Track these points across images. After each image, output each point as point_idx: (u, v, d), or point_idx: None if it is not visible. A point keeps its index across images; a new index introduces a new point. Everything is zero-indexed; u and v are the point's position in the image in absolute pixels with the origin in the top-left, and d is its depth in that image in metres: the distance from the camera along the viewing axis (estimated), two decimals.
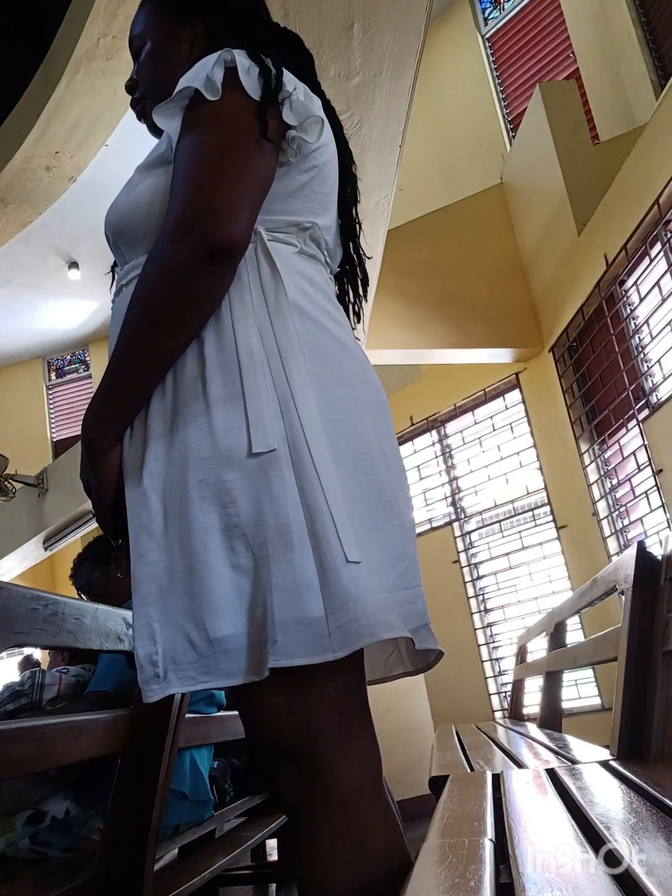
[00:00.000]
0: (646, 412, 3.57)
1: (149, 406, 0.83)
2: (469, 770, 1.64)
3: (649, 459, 3.54)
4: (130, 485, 0.83)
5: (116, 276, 0.96)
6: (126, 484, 0.84)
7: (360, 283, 1.09)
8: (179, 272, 0.78)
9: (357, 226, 1.07)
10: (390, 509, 0.82)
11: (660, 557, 1.44)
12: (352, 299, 1.09)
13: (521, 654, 3.45)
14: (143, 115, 1.03)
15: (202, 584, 0.76)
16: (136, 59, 1.06)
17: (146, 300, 0.81)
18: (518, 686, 3.44)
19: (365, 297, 1.10)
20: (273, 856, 2.80)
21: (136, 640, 0.78)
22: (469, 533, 4.80)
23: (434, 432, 4.99)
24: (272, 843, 2.78)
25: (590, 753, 1.63)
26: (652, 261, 3.46)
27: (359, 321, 1.09)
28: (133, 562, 0.80)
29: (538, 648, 3.35)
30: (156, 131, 0.97)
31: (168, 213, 0.81)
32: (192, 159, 0.81)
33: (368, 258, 1.11)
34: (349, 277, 1.08)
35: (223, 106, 0.83)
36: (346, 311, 1.06)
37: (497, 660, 4.55)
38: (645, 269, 3.52)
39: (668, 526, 3.41)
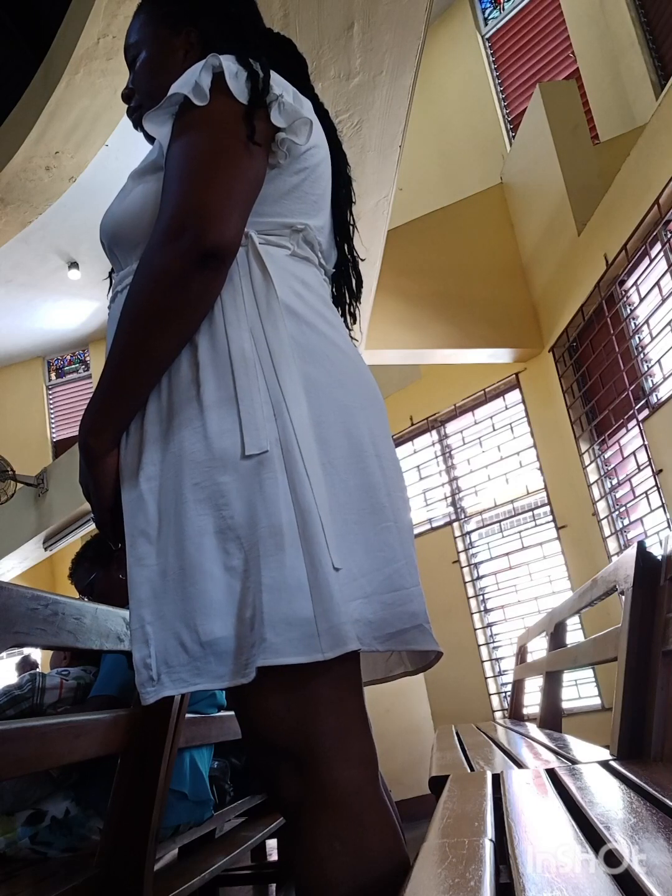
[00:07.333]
0: (646, 412, 3.57)
1: (145, 410, 0.84)
2: (469, 770, 1.64)
3: (649, 459, 3.54)
4: (127, 488, 0.83)
5: (112, 282, 0.97)
6: (123, 488, 0.84)
7: (354, 284, 1.10)
8: (171, 276, 0.79)
9: (351, 227, 1.07)
10: (382, 512, 0.82)
11: (660, 557, 1.44)
12: (347, 300, 1.09)
13: (521, 654, 3.45)
14: (140, 123, 1.03)
15: (195, 586, 0.76)
16: (131, 68, 1.07)
17: (139, 304, 0.81)
18: (518, 686, 3.44)
19: (359, 298, 1.11)
20: (273, 856, 2.80)
21: (132, 643, 0.78)
22: (469, 533, 4.80)
23: (434, 432, 4.99)
24: (272, 843, 2.77)
25: (590, 753, 1.63)
26: (652, 261, 3.46)
27: (354, 322, 1.09)
28: (130, 565, 0.80)
29: (538, 648, 3.35)
30: (152, 139, 0.97)
31: (159, 218, 0.81)
32: (182, 164, 0.82)
33: (362, 260, 1.12)
34: (344, 279, 1.08)
35: (211, 111, 0.84)
36: (342, 312, 1.07)
37: (497, 660, 4.55)
38: (645, 269, 3.52)
39: (668, 526, 3.41)
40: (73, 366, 7.57)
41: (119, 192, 0.94)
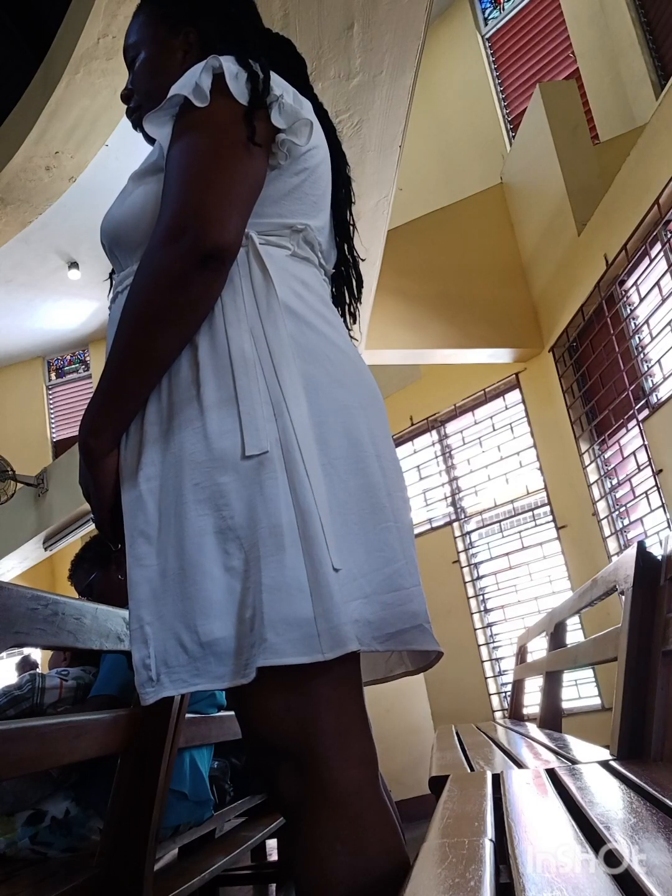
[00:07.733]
0: (646, 412, 3.57)
1: (145, 410, 0.84)
2: (469, 770, 1.64)
3: (649, 459, 3.54)
4: (127, 489, 0.83)
5: (113, 283, 0.97)
6: (122, 488, 0.84)
7: (354, 284, 1.10)
8: (172, 277, 0.79)
9: (351, 227, 1.07)
10: (382, 511, 0.82)
11: (660, 557, 1.44)
12: (347, 301, 1.09)
13: (521, 654, 3.45)
14: (139, 124, 1.03)
15: (195, 586, 0.76)
16: (130, 69, 1.07)
17: (140, 305, 0.81)
18: (518, 686, 3.44)
19: (359, 298, 1.11)
20: (273, 856, 2.80)
21: (131, 643, 0.78)
22: (469, 533, 4.80)
23: (434, 432, 4.99)
24: (272, 843, 2.78)
25: (590, 753, 1.63)
26: (652, 261, 3.46)
27: (354, 322, 1.09)
28: (129, 565, 0.80)
29: (538, 648, 3.35)
30: (151, 140, 0.97)
31: (159, 219, 0.81)
32: (183, 165, 0.82)
33: (362, 260, 1.12)
34: (344, 279, 1.08)
35: (212, 112, 0.84)
36: (342, 312, 1.07)
37: (497, 660, 4.55)
38: (645, 270, 3.52)
39: (668, 526, 3.41)
40: (73, 366, 7.57)
41: (119, 194, 0.94)
